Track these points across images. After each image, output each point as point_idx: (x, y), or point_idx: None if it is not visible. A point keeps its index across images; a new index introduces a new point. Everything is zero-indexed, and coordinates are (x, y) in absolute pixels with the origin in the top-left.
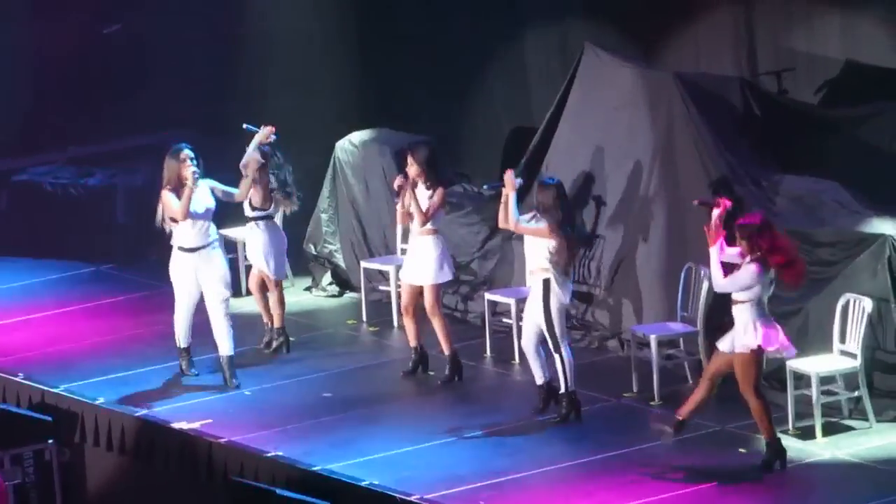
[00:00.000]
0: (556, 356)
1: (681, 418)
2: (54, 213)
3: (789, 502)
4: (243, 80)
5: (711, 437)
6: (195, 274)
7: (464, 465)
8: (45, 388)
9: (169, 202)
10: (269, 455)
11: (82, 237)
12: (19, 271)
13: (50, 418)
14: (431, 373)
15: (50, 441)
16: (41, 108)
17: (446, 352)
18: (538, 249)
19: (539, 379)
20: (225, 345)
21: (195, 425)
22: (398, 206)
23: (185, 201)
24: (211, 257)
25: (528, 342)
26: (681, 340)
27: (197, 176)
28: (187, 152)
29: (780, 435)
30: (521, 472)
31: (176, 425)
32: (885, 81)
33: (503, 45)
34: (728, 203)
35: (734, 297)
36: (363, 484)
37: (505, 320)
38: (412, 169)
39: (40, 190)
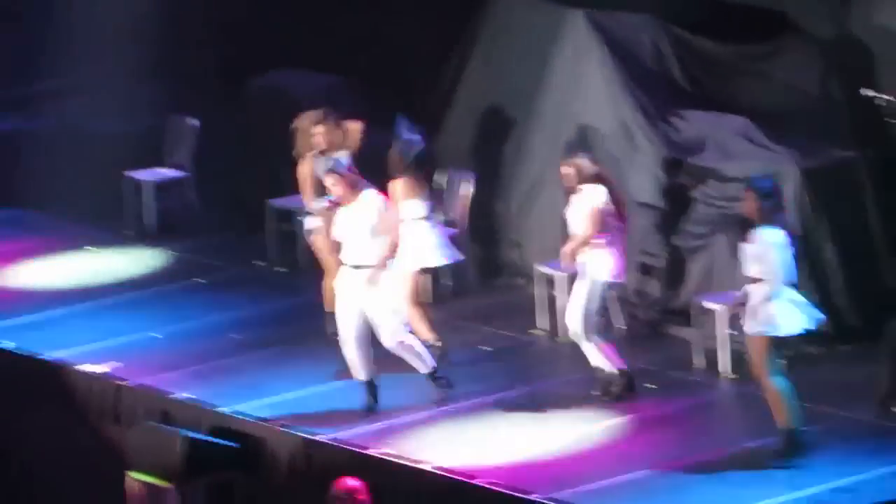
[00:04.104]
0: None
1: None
2: None
3: (697, 434)
4: (159, 24)
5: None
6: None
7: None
8: None
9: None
10: (177, 397)
11: None
12: None
13: None
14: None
15: None
16: None
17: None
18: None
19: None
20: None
21: (103, 367)
22: None
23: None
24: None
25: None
26: None
27: None
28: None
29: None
30: (424, 411)
31: (84, 368)
32: (785, 19)
33: None
34: None
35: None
36: (271, 424)
37: None
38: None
39: None
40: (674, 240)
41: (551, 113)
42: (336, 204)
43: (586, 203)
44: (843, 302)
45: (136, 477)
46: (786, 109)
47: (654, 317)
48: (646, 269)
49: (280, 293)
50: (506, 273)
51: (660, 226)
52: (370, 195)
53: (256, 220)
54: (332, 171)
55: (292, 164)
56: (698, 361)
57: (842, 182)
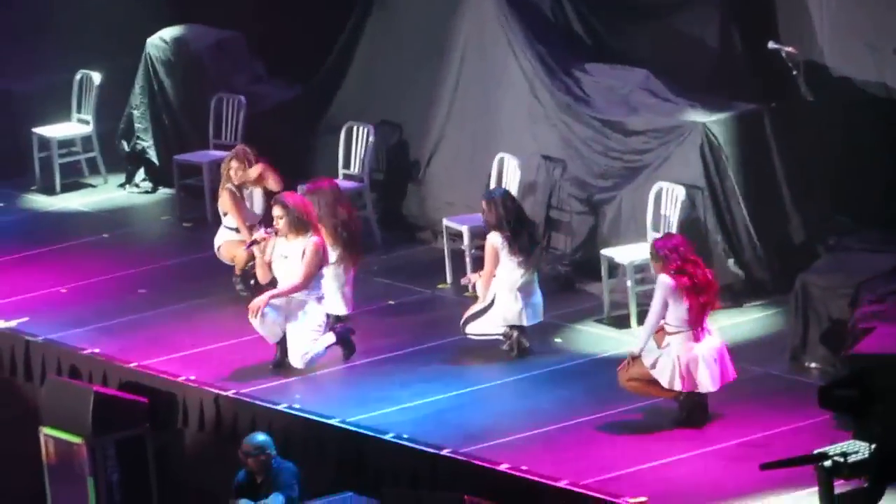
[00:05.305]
0: None
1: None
2: None
3: (608, 389)
4: None
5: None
6: None
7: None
8: None
9: None
10: (86, 352)
11: None
12: None
13: None
14: None
15: None
16: None
17: None
18: None
19: None
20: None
21: (11, 324)
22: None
23: None
24: None
25: None
26: None
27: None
28: None
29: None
30: (336, 365)
31: None
32: None
33: None
34: None
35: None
36: (180, 379)
37: None
38: None
39: None
40: (579, 193)
41: (454, 68)
42: (273, 233)
43: (487, 242)
44: (751, 257)
45: (48, 433)
46: (687, 62)
47: (563, 271)
48: (553, 224)
49: (187, 248)
50: (411, 227)
51: (565, 179)
52: (310, 242)
53: (162, 174)
54: (279, 202)
55: (192, 119)
56: (607, 315)
57: (746, 135)
